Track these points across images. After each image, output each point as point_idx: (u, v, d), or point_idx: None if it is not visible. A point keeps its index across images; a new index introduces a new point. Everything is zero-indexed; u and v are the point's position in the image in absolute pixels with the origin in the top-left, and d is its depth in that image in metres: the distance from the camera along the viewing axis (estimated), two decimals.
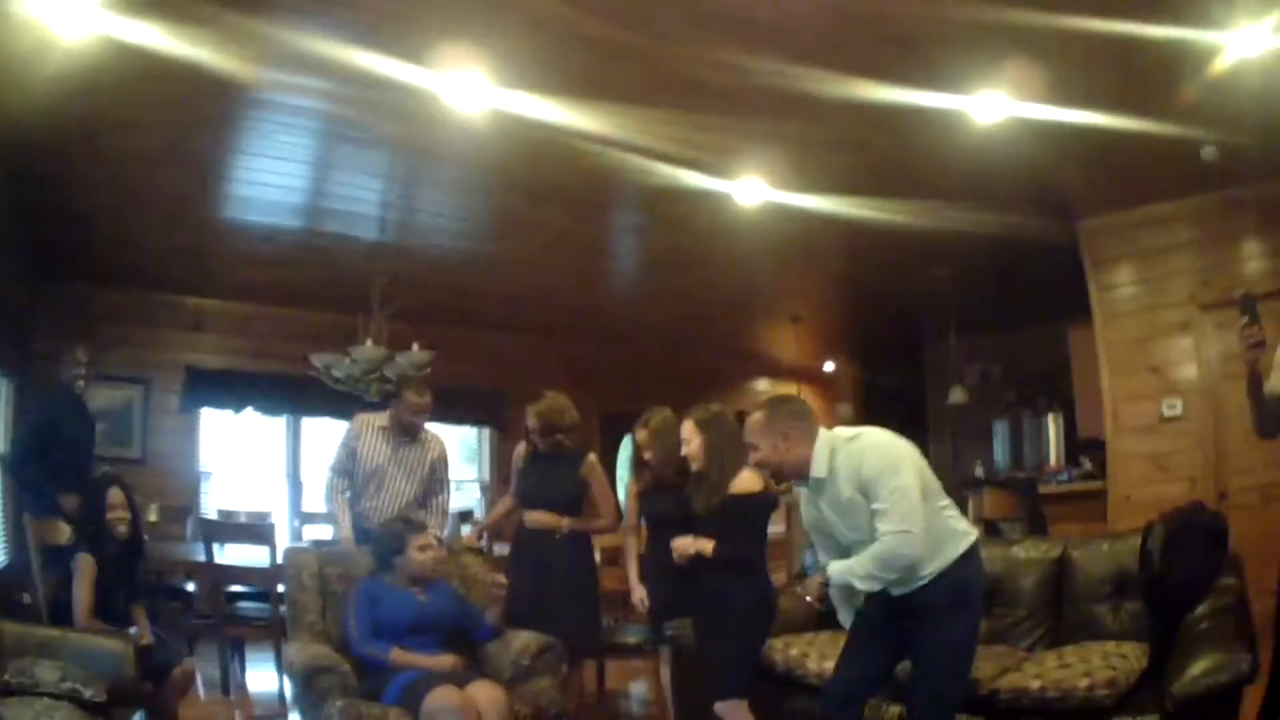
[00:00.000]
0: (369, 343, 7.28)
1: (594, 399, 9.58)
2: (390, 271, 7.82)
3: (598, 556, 5.43)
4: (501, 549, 6.39)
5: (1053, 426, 9.96)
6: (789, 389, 12.38)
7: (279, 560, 5.35)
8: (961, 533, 3.53)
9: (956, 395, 10.89)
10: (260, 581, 5.73)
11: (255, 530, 6.11)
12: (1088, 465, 8.68)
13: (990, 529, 8.14)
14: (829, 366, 13.29)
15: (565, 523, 5.04)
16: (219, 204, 7.20)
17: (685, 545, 4.33)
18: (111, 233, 7.52)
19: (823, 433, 3.58)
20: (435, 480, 5.68)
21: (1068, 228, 7.74)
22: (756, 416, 3.63)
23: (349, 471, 5.50)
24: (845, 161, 6.42)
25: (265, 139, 6.11)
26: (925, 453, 3.62)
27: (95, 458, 6.08)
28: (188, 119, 5.70)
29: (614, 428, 9.90)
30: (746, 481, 4.26)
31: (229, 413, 9.31)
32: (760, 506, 4.38)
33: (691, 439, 4.35)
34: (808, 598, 4.25)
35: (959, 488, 8.75)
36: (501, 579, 4.64)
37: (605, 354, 11.40)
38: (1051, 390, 10.04)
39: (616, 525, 5.29)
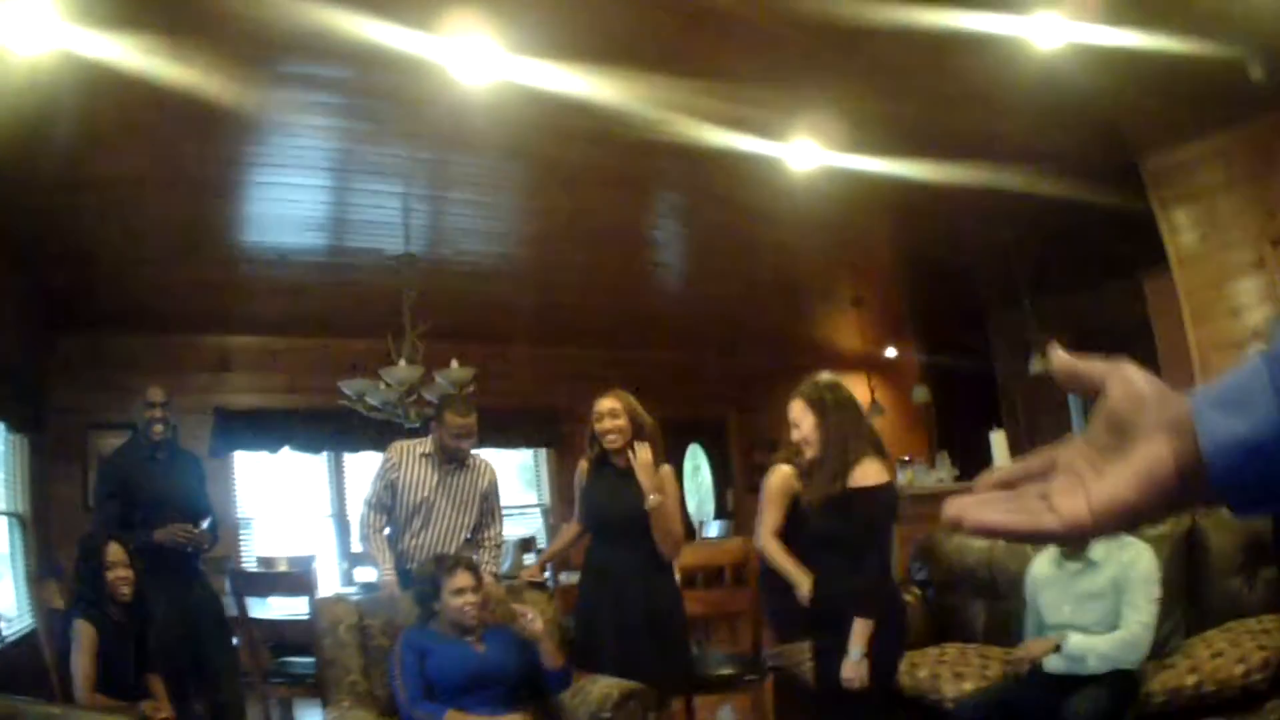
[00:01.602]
0: (402, 363, 6.72)
1: (652, 407, 9.05)
2: (421, 286, 7.27)
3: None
4: (569, 576, 5.87)
5: None
6: (857, 381, 11.99)
7: None
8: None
9: (1036, 365, 10.05)
10: (299, 636, 5.08)
11: (291, 580, 5.47)
12: None
13: None
14: (891, 352, 12.72)
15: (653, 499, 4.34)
16: (229, 227, 6.78)
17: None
18: (115, 270, 7.10)
19: None
20: (487, 512, 5.05)
21: (1131, 169, 7.06)
22: None
23: (388, 506, 4.89)
24: (901, 110, 5.75)
25: (270, 146, 5.64)
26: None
27: (203, 510, 5.37)
28: (176, 135, 5.21)
29: (674, 435, 9.30)
30: (870, 471, 3.56)
31: (265, 454, 8.87)
32: (886, 503, 3.65)
33: (802, 420, 3.70)
34: (1023, 658, 3.79)
35: None
36: (528, 611, 3.96)
37: (658, 358, 10.78)
38: (1132, 349, 9.13)
39: (680, 549, 4.63)
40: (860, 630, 3.47)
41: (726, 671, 4.86)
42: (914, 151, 6.21)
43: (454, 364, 6.82)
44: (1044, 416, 10.44)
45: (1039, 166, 6.56)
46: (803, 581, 3.96)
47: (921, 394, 12.25)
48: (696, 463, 11.84)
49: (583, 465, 4.63)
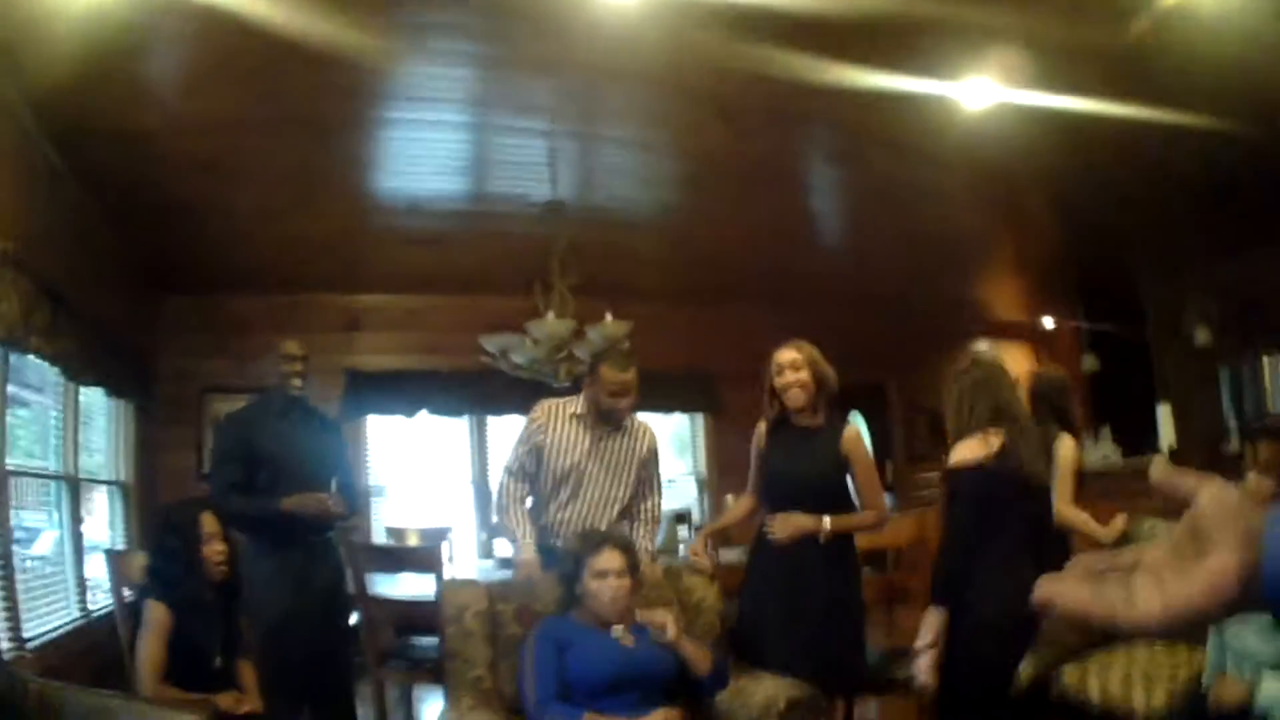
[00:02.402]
0: (550, 316, 6.09)
1: None
2: (570, 237, 6.62)
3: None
4: (729, 554, 5.25)
5: None
6: (1014, 350, 11.36)
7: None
8: None
9: (1201, 336, 9.22)
10: (423, 620, 4.46)
11: (415, 556, 4.84)
12: None
13: None
14: (1048, 322, 11.79)
15: (827, 523, 3.77)
16: (350, 172, 6.23)
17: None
18: (224, 224, 6.65)
19: None
20: (645, 481, 4.44)
21: None
22: None
23: (531, 474, 4.33)
24: (1087, 37, 4.86)
25: (392, 80, 5.09)
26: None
27: (343, 479, 4.86)
28: (280, 69, 4.70)
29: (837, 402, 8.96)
30: (963, 449, 3.37)
31: (400, 419, 8.38)
32: (967, 483, 3.34)
33: (944, 394, 3.63)
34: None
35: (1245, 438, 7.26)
36: (661, 617, 3.35)
37: (817, 320, 9.88)
38: None
39: (885, 521, 4.13)
40: (926, 620, 3.27)
41: (903, 674, 4.05)
42: (1100, 88, 5.37)
43: (608, 318, 6.16)
44: (1197, 394, 9.36)
45: (1227, 103, 5.57)
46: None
47: (1090, 363, 11.24)
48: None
49: (760, 428, 4.06)
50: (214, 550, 3.58)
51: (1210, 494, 0.80)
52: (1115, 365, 10.72)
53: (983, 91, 5.37)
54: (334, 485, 4.72)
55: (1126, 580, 0.83)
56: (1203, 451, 7.97)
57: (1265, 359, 8.87)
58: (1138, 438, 8.23)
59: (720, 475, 9.14)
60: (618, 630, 3.26)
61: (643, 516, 4.42)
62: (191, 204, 6.20)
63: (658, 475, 4.53)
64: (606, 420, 4.29)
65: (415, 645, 4.86)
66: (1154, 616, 0.81)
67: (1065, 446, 4.30)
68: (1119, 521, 4.34)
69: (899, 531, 5.00)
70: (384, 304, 8.43)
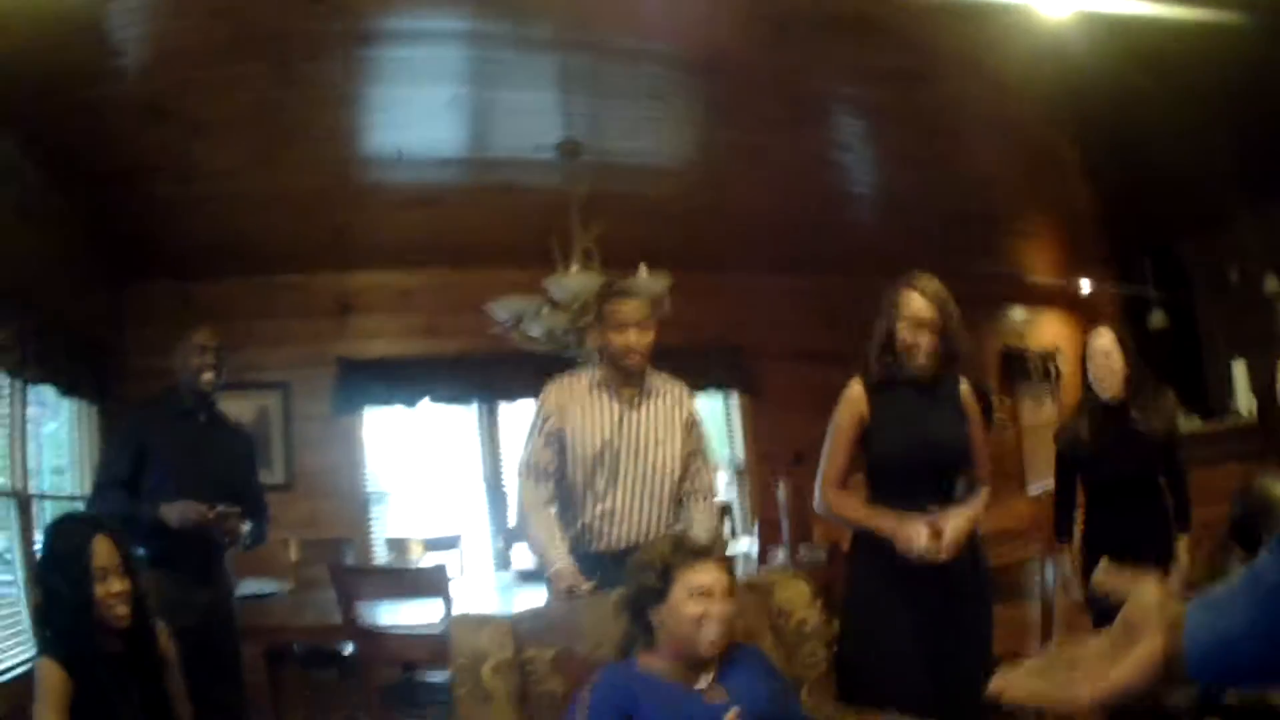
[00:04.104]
0: (574, 269, 5.16)
1: (851, 338, 7.76)
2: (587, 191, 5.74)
3: None
4: (809, 552, 4.75)
5: None
6: (1052, 318, 10.86)
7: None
8: None
9: (1271, 284, 8.36)
10: (427, 656, 3.48)
11: (413, 579, 3.84)
12: None
13: None
14: (1085, 286, 11.00)
15: (964, 515, 3.04)
16: (331, 115, 5.32)
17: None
18: (181, 189, 5.77)
19: None
20: (693, 452, 3.70)
21: None
22: None
23: (553, 472, 3.57)
24: None
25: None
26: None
27: (249, 495, 4.20)
28: None
29: None
30: None
31: (400, 411, 7.46)
32: None
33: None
34: None
35: None
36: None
37: (855, 287, 9.02)
38: None
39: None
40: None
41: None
42: None
43: (642, 270, 5.16)
44: (1251, 348, 8.46)
45: None
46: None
47: (1159, 319, 10.30)
48: None
49: (854, 390, 3.17)
50: (110, 591, 2.61)
51: (1138, 594, 1.12)
52: (1164, 331, 9.92)
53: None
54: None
55: (1072, 669, 1.14)
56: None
57: None
58: (1203, 399, 7.74)
59: (762, 460, 8.17)
60: (705, 682, 2.27)
61: (697, 494, 3.66)
62: (141, 163, 5.34)
63: (705, 446, 3.80)
64: (627, 377, 3.60)
65: (424, 683, 3.96)
66: (1100, 696, 1.11)
67: None
68: None
69: (1017, 512, 4.22)
70: (377, 282, 7.54)
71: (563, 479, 3.58)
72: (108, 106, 4.70)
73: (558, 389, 3.66)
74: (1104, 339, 3.91)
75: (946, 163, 6.97)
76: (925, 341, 3.05)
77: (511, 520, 7.08)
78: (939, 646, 2.91)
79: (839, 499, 3.13)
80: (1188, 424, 6.54)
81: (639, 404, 3.60)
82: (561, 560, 3.28)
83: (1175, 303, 9.84)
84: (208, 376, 4.08)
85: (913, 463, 3.11)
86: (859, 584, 3.08)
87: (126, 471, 3.93)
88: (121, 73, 4.46)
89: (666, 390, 3.70)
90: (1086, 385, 4.02)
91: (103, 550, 2.63)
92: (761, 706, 2.29)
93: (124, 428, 4.20)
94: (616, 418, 3.56)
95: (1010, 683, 1.11)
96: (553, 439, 3.56)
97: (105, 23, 4.07)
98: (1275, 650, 0.98)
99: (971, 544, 3.03)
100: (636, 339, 3.52)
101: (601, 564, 3.28)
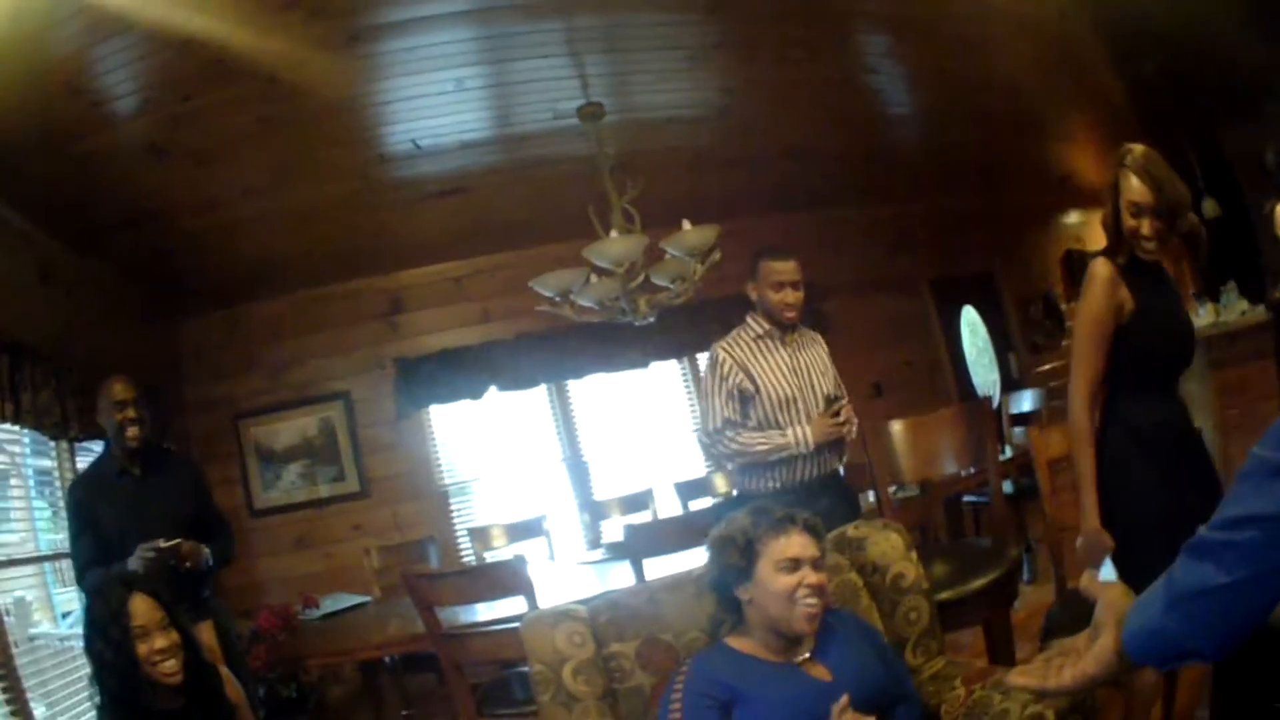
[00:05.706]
0: (614, 234, 5.00)
1: (917, 264, 8.63)
2: (616, 151, 5.56)
3: None
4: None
5: None
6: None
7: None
8: None
9: None
10: (519, 653, 3.34)
11: (488, 578, 3.68)
12: None
13: None
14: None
15: None
16: (349, 116, 5.24)
17: None
18: (212, 222, 5.79)
19: None
20: (838, 381, 4.16)
21: None
22: None
23: (738, 422, 3.94)
24: None
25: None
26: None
27: (204, 523, 4.21)
28: None
29: (945, 294, 9.01)
30: None
31: (466, 404, 7.36)
32: None
33: None
34: None
35: None
36: None
37: (911, 212, 8.89)
38: None
39: None
40: None
41: None
42: None
43: (685, 225, 5.01)
44: None
45: None
46: None
47: (1211, 208, 9.81)
48: (974, 326, 9.71)
49: (1107, 272, 2.92)
50: (154, 648, 2.53)
51: (1103, 598, 1.40)
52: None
53: None
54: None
55: (1060, 660, 1.42)
56: None
57: None
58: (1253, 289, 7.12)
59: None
60: (802, 656, 2.12)
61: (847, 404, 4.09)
62: (155, 202, 5.34)
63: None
64: (787, 327, 4.02)
65: (524, 676, 3.78)
66: (1075, 684, 1.40)
67: None
68: None
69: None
70: (423, 277, 7.42)
71: (754, 427, 3.94)
72: (105, 155, 4.68)
73: (726, 349, 3.99)
74: None
75: (976, 72, 6.69)
76: (1147, 225, 2.90)
77: (597, 493, 7.27)
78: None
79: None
80: (1252, 314, 6.24)
81: (802, 347, 4.03)
82: (784, 437, 3.80)
83: (1224, 193, 9.41)
84: (132, 432, 3.99)
85: (1186, 354, 3.01)
86: (1120, 476, 2.89)
87: (94, 549, 3.91)
88: (111, 119, 4.42)
89: (806, 332, 4.13)
90: None
91: (141, 609, 2.55)
92: (866, 678, 2.14)
93: (70, 506, 4.10)
94: (789, 362, 3.96)
95: (1020, 672, 1.46)
96: (734, 393, 3.92)
97: (82, 74, 4.02)
98: (1189, 640, 1.25)
99: None
100: (795, 299, 3.94)
101: (798, 496, 3.55)
